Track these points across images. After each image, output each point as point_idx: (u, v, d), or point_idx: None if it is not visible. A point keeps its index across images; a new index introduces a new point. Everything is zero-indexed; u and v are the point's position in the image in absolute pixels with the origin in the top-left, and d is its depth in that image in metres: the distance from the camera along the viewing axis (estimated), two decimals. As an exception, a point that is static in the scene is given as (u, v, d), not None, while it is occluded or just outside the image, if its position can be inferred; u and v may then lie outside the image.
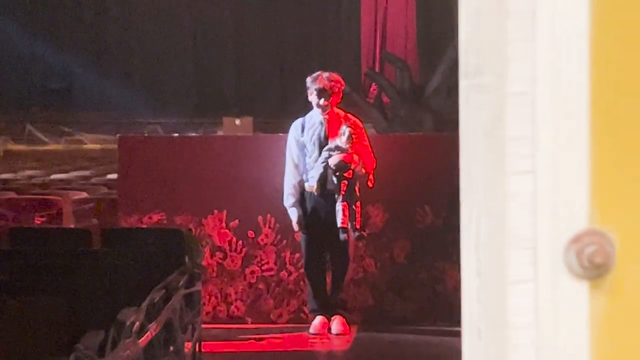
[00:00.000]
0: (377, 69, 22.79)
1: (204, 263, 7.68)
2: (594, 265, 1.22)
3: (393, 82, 19.37)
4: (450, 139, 8.60)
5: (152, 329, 5.65)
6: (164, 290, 6.08)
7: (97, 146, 22.70)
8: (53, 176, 12.28)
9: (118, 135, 8.84)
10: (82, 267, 5.70)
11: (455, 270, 8.18)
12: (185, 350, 6.71)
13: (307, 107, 25.66)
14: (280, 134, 8.45)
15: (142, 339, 5.43)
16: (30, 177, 12.08)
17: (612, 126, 1.23)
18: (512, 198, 1.24)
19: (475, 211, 1.29)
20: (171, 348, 6.35)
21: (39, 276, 5.33)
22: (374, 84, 21.05)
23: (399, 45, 25.68)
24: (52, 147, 22.56)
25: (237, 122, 21.44)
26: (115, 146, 21.60)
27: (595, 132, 1.23)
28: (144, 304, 5.64)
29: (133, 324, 5.24)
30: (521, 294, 1.25)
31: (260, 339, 7.82)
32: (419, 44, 26.15)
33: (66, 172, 13.05)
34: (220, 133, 21.33)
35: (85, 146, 22.99)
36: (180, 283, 6.46)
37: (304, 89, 26.06)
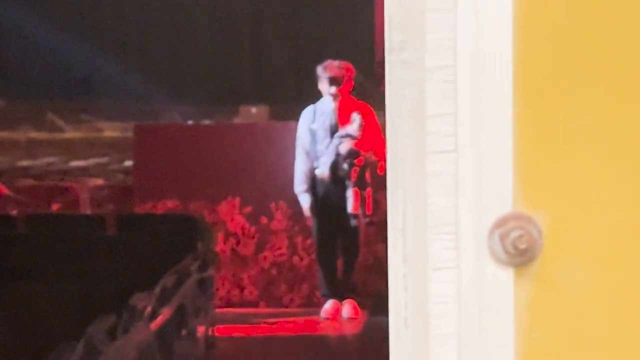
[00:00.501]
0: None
1: (217, 249, 7.66)
2: (518, 251, 1.16)
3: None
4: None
5: (165, 314, 5.62)
6: (176, 276, 6.06)
7: (116, 134, 22.65)
8: (71, 163, 12.23)
9: (134, 123, 8.78)
10: (95, 253, 5.68)
11: (465, 256, 8.15)
12: (199, 334, 6.71)
13: (320, 94, 25.54)
14: (292, 122, 8.37)
15: (154, 322, 5.40)
16: (49, 164, 12.02)
17: (537, 103, 1.16)
18: (434, 178, 1.18)
19: (401, 193, 1.22)
20: (184, 332, 6.33)
21: (53, 261, 5.31)
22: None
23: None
24: (72, 134, 22.52)
25: (254, 110, 21.39)
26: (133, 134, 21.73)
27: (520, 109, 1.16)
28: (156, 289, 5.62)
29: (145, 308, 5.22)
30: (443, 281, 1.18)
31: (273, 323, 7.79)
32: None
33: (85, 159, 12.99)
34: (237, 121, 21.29)
35: (104, 134, 22.93)
36: (193, 268, 6.44)
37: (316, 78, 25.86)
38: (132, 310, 5.00)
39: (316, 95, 25.14)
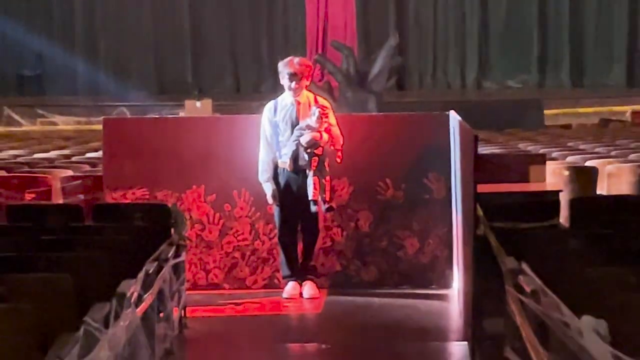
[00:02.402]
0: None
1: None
2: None
3: (339, 67, 19.27)
4: (406, 119, 8.41)
5: (148, 299, 5.37)
6: (156, 262, 5.80)
7: (70, 127, 22.21)
8: (36, 155, 11.85)
9: (103, 118, 8.48)
10: (80, 242, 5.39)
11: (414, 238, 8.01)
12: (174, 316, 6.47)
13: (258, 89, 25.41)
14: (254, 115, 8.13)
15: (140, 308, 5.14)
16: (16, 156, 11.64)
17: None
18: None
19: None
20: (161, 314, 6.09)
21: (41, 252, 5.02)
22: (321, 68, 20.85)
23: (340, 36, 25.39)
24: (28, 128, 22.04)
25: (198, 104, 21.12)
26: (88, 127, 21.28)
27: None
28: (140, 275, 5.35)
29: (132, 294, 4.96)
30: None
31: (239, 304, 7.57)
32: (358, 34, 25.92)
33: (47, 151, 12.60)
34: (182, 114, 21.00)
35: (58, 127, 22.48)
36: (170, 254, 6.18)
37: (254, 74, 25.89)
38: (121, 298, 4.74)
39: (251, 90, 24.93)
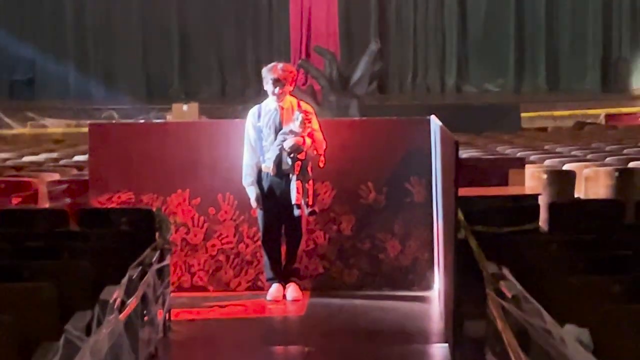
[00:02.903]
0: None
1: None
2: None
3: (322, 71, 19.15)
4: (388, 124, 8.26)
5: (131, 304, 5.21)
6: (140, 267, 5.64)
7: (60, 129, 22.00)
8: (25, 158, 11.65)
9: (89, 122, 8.34)
10: (65, 249, 5.23)
11: (396, 241, 7.87)
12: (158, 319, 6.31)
13: (243, 93, 25.21)
14: (238, 120, 7.98)
15: (123, 313, 4.98)
16: (5, 159, 11.44)
17: None
18: None
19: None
20: (146, 318, 5.92)
21: (25, 259, 4.85)
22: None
23: (322, 41, 25.26)
24: (19, 131, 21.81)
25: (185, 107, 20.94)
26: (76, 130, 21.07)
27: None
28: (123, 281, 5.19)
29: (115, 301, 4.80)
30: None
31: (223, 306, 7.42)
32: (340, 39, 25.80)
33: (36, 154, 12.41)
34: (169, 117, 20.83)
35: (48, 130, 22.26)
36: (154, 259, 6.03)
37: (240, 79, 25.74)
38: (104, 304, 4.58)
39: (237, 94, 24.76)
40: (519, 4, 25.90)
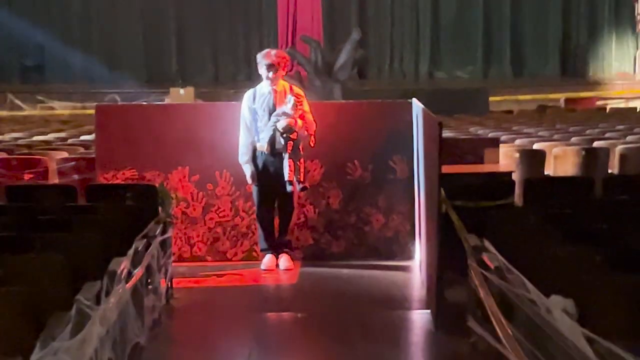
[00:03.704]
0: (292, 49, 22.13)
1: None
2: None
3: (308, 58, 18.95)
4: (373, 106, 8.08)
5: (137, 274, 5.04)
6: (145, 239, 5.47)
7: (67, 111, 21.72)
8: (35, 138, 11.42)
9: (96, 104, 8.09)
10: (74, 222, 5.04)
11: (380, 214, 7.73)
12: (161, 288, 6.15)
13: (235, 78, 24.99)
14: (234, 102, 7.80)
15: (129, 283, 4.81)
16: (16, 138, 11.20)
17: None
18: None
19: None
20: (150, 287, 5.76)
21: (37, 232, 4.66)
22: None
23: (307, 30, 25.04)
24: (29, 112, 21.51)
25: (182, 91, 20.70)
26: (82, 111, 20.81)
27: None
28: (130, 252, 5.02)
29: (122, 271, 4.63)
30: None
31: (221, 275, 7.27)
32: (324, 28, 25.59)
33: (45, 134, 12.17)
34: (167, 100, 20.61)
35: (56, 112, 21.97)
36: (157, 232, 5.85)
37: (232, 65, 25.48)
38: (112, 275, 4.41)
39: (229, 79, 24.48)
40: (487, -3, 25.78)
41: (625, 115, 16.31)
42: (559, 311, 3.19)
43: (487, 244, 4.91)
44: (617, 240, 4.10)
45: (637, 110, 19.07)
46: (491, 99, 20.91)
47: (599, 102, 21.80)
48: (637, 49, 25.59)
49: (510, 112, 19.61)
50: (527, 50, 25.97)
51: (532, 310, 3.62)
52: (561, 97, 22.31)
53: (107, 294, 4.24)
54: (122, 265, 4.62)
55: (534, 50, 25.90)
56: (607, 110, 19.11)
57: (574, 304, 3.24)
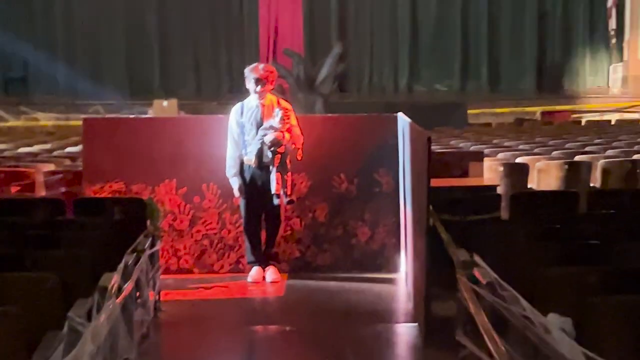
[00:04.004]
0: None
1: (158, 225, 6.94)
2: None
3: (291, 72, 18.85)
4: (359, 120, 8.00)
5: (127, 289, 4.92)
6: (134, 253, 5.35)
7: (50, 122, 21.51)
8: (20, 149, 11.25)
9: (83, 117, 7.96)
10: (63, 238, 4.91)
11: (366, 227, 7.64)
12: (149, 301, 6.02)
13: (217, 90, 24.84)
14: (221, 115, 7.69)
15: (119, 298, 4.69)
16: (2, 150, 11.03)
17: None
18: None
19: None
20: (138, 300, 5.63)
21: (27, 247, 4.53)
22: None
23: (288, 43, 24.98)
24: (13, 123, 21.29)
25: (165, 103, 20.55)
26: (66, 123, 20.60)
27: None
28: (120, 267, 4.90)
29: (112, 287, 4.51)
30: None
31: (208, 288, 7.14)
32: (305, 42, 25.52)
33: (30, 145, 12.00)
34: (150, 112, 20.45)
35: (40, 123, 21.76)
36: (146, 245, 5.73)
37: (214, 78, 25.37)
38: (103, 291, 4.29)
39: (212, 91, 24.35)
40: (464, 14, 25.80)
41: (601, 128, 16.33)
42: (557, 330, 3.11)
43: (477, 259, 4.83)
44: (610, 258, 4.03)
45: (612, 123, 19.12)
46: (469, 111, 20.90)
47: (574, 115, 21.86)
48: (611, 63, 25.69)
49: (488, 124, 19.61)
50: (504, 64, 26.01)
51: (527, 328, 3.53)
52: (537, 110, 22.34)
53: (98, 310, 4.12)
54: (113, 280, 4.51)
55: (510, 66, 25.94)
56: (583, 123, 19.15)
57: (571, 323, 3.16)
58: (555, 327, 3.15)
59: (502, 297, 4.10)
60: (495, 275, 4.31)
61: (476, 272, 4.68)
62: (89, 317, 3.95)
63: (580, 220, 5.38)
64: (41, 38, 25.77)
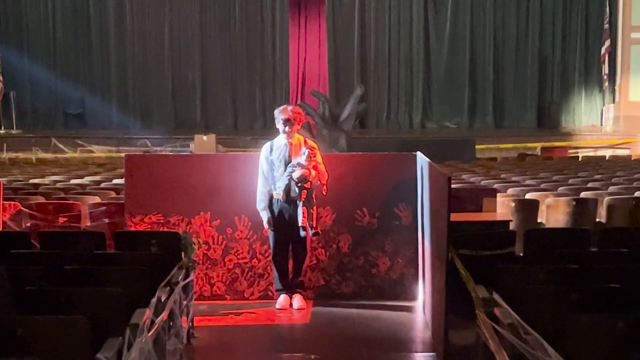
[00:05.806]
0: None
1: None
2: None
3: (317, 110, 18.53)
4: (380, 158, 7.58)
5: (159, 321, 4.51)
6: (168, 287, 4.95)
7: (103, 154, 21.25)
8: (72, 181, 10.92)
9: (125, 154, 7.60)
10: (100, 272, 4.52)
11: (386, 257, 7.21)
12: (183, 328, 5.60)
13: (252, 126, 24.52)
14: (252, 153, 7.30)
15: (152, 332, 4.28)
16: (55, 181, 10.70)
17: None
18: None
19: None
20: (172, 331, 5.22)
21: (63, 284, 4.14)
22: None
23: (315, 85, 24.69)
24: (70, 155, 21.04)
25: (205, 137, 20.21)
26: (117, 154, 20.34)
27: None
28: (152, 302, 4.50)
29: (145, 323, 4.10)
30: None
31: (238, 314, 6.72)
32: (330, 83, 25.25)
33: (81, 177, 11.67)
34: (192, 145, 20.16)
35: (94, 154, 21.49)
36: (180, 277, 5.33)
37: (249, 115, 25.04)
38: (134, 328, 3.88)
39: (247, 126, 24.03)
40: (472, 58, 25.43)
41: (597, 163, 15.79)
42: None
43: (497, 297, 4.39)
44: (632, 302, 3.58)
45: (606, 158, 18.58)
46: (476, 146, 20.42)
47: (571, 151, 21.33)
48: (604, 104, 25.24)
49: (494, 159, 19.10)
50: (508, 103, 25.58)
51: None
52: (538, 145, 21.82)
53: (129, 347, 3.71)
54: (145, 316, 4.10)
55: (513, 104, 25.51)
56: (580, 159, 18.61)
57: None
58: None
59: (524, 340, 3.65)
60: (517, 317, 3.87)
61: (497, 311, 4.24)
62: (119, 356, 3.55)
63: (594, 258, 4.92)
64: (97, 79, 25.69)
